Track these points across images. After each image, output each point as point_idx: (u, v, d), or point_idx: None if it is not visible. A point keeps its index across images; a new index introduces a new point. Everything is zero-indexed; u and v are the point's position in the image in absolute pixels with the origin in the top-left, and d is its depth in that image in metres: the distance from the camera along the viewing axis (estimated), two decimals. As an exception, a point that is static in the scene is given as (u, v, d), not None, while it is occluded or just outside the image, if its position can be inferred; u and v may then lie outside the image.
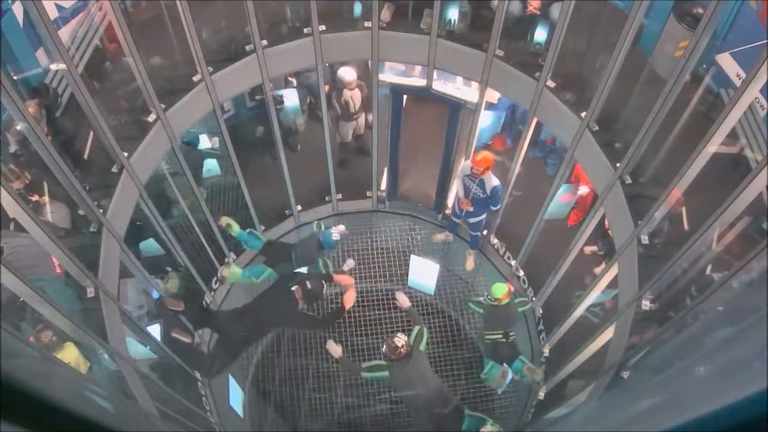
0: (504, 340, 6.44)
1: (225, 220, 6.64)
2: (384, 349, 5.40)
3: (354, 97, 7.80)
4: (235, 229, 6.64)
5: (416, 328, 5.61)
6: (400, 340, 5.36)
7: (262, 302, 5.39)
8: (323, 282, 5.27)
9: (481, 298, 6.72)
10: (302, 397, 8.16)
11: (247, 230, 6.78)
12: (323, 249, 6.52)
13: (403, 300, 5.87)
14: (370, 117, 8.07)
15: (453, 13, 6.34)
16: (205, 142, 7.76)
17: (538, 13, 6.31)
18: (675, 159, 4.56)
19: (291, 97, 8.46)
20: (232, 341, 5.34)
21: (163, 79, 5.85)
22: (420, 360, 5.46)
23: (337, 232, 6.48)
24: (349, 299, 5.58)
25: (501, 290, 6.35)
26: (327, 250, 6.60)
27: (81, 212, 4.83)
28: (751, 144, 4.71)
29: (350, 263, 7.40)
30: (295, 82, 8.35)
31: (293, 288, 5.17)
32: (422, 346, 5.52)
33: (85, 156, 5.32)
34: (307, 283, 5.13)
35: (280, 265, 6.60)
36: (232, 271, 6.84)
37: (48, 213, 4.64)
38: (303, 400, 8.14)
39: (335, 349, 5.53)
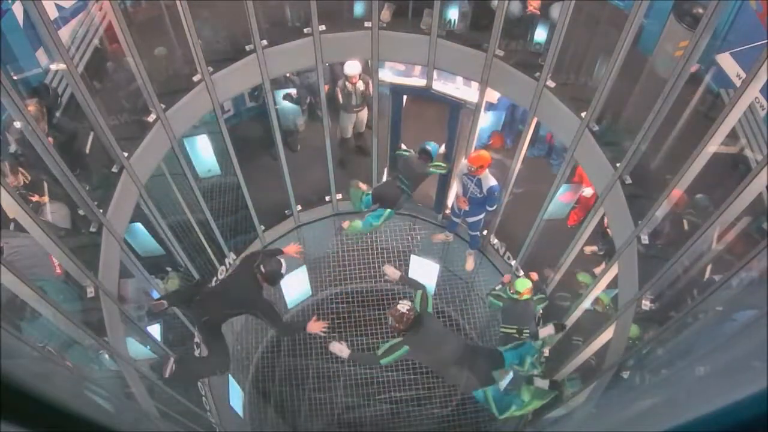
0: (517, 336, 6.34)
1: (356, 183, 7.22)
2: (390, 322, 5.05)
3: (357, 89, 7.84)
4: (365, 195, 7.22)
5: (418, 293, 5.26)
6: (404, 305, 5.01)
7: (228, 284, 5.29)
8: (279, 260, 5.09)
9: (498, 288, 6.68)
10: (302, 397, 8.17)
11: (362, 198, 7.34)
12: (432, 158, 7.17)
13: (392, 272, 5.50)
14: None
15: (453, 13, 6.35)
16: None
17: (538, 13, 6.31)
18: (675, 159, 4.57)
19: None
20: (202, 325, 5.19)
21: (163, 78, 5.85)
22: (432, 323, 5.14)
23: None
24: (315, 326, 5.20)
25: (524, 285, 6.33)
26: (431, 153, 7.17)
27: (81, 212, 4.83)
28: (751, 144, 4.72)
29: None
30: (297, 80, 8.35)
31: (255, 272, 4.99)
32: (430, 308, 5.20)
33: (85, 156, 5.32)
34: (261, 267, 5.00)
35: (397, 202, 7.25)
36: (353, 224, 7.29)
37: (48, 213, 4.64)
38: (303, 400, 8.15)
39: (341, 348, 5.11)
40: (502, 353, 5.37)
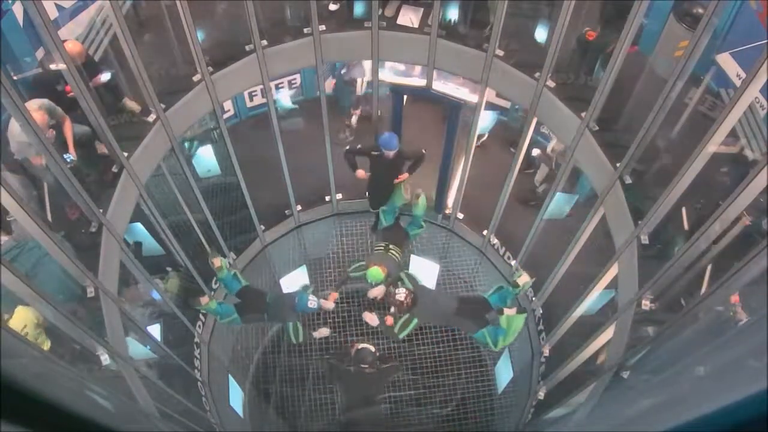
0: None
1: (219, 261, 6.41)
2: (393, 310, 5.91)
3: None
4: (224, 272, 6.43)
5: (403, 276, 6.10)
6: (401, 294, 5.74)
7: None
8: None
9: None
10: (302, 397, 8.16)
11: (232, 272, 6.61)
12: (296, 311, 6.26)
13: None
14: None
15: (453, 13, 6.34)
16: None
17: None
18: (675, 159, 4.56)
19: (285, 97, 8.49)
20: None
21: (163, 79, 5.84)
22: (425, 291, 6.11)
23: (314, 302, 6.21)
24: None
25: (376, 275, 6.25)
26: (299, 313, 6.32)
27: (81, 212, 4.83)
28: (751, 144, 4.72)
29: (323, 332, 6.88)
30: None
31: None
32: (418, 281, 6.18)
33: (85, 156, 5.31)
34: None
35: (250, 315, 6.47)
36: (209, 305, 6.50)
37: (48, 213, 4.64)
38: (303, 400, 8.14)
39: (372, 318, 6.27)
40: (487, 299, 6.10)
